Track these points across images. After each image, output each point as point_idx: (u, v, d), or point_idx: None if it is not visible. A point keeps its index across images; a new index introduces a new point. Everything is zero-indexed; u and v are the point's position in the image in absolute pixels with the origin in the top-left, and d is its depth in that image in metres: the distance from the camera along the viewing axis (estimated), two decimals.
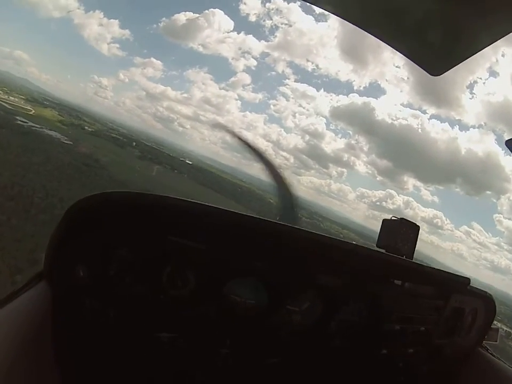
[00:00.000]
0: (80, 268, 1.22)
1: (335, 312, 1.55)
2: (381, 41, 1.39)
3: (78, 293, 1.24)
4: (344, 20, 1.39)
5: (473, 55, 1.26)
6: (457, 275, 1.77)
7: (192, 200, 1.30)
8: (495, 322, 2.02)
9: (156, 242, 1.29)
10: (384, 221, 1.87)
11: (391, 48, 1.44)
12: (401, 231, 1.81)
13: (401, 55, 1.44)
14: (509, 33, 1.11)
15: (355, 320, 1.60)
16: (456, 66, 1.35)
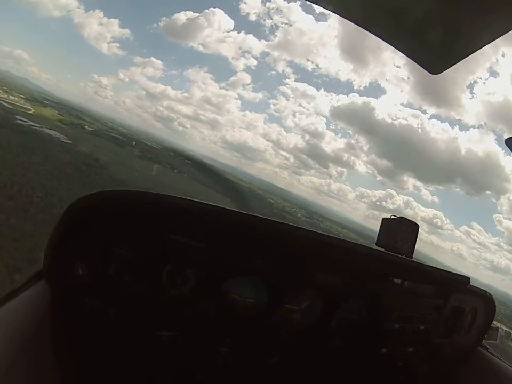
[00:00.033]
0: (80, 267, 1.21)
1: (334, 311, 1.55)
2: (381, 41, 1.37)
3: (77, 291, 1.23)
4: (344, 18, 1.39)
5: (472, 53, 1.26)
6: (457, 274, 1.76)
7: (191, 199, 1.29)
8: (494, 322, 2.01)
9: (155, 240, 1.28)
10: (384, 219, 1.86)
11: (391, 47, 1.44)
12: (400, 230, 1.81)
13: (401, 54, 1.44)
14: (508, 32, 1.10)
15: (355, 318, 1.59)
16: (456, 66, 1.36)
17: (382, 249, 1.73)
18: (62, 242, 1.19)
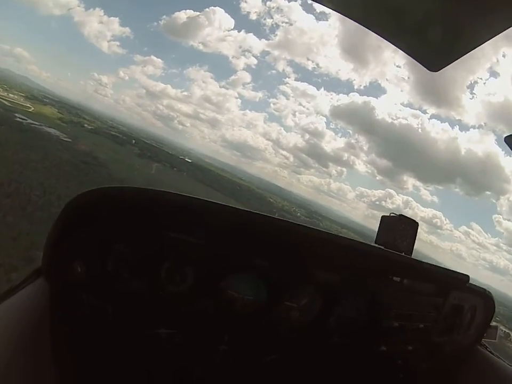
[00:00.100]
0: (78, 264, 1.21)
1: (333, 308, 1.55)
2: (381, 40, 1.41)
3: (76, 289, 1.23)
4: (343, 15, 1.40)
5: (471, 50, 1.27)
6: (456, 272, 1.76)
7: (189, 195, 1.28)
8: (493, 322, 2.01)
9: (153, 237, 1.28)
10: (383, 217, 1.85)
11: (391, 47, 1.44)
12: (400, 228, 1.78)
13: (402, 54, 1.44)
14: (507, 29, 1.11)
15: (354, 316, 1.59)
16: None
17: (382, 247, 1.71)
18: (61, 240, 1.18)
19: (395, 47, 1.46)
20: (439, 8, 1.23)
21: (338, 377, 1.66)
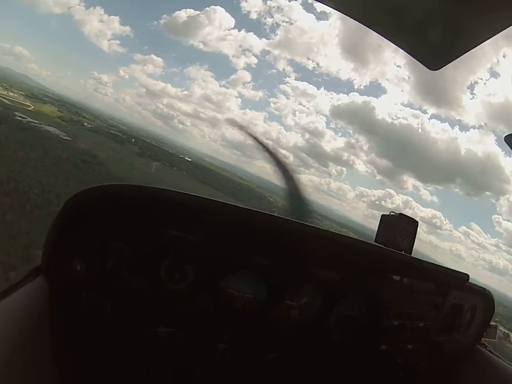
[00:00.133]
0: (78, 262, 1.20)
1: (333, 307, 1.55)
2: (381, 40, 1.41)
3: (75, 287, 1.22)
4: (343, 13, 1.39)
5: (472, 49, 1.26)
6: (456, 271, 1.75)
7: (189, 193, 1.28)
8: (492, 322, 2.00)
9: (153, 235, 1.27)
10: (383, 216, 1.84)
11: (392, 47, 1.47)
12: (399, 226, 1.78)
13: (402, 54, 1.46)
14: (507, 28, 1.11)
15: (354, 315, 1.59)
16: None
17: (382, 246, 1.71)
18: (60, 238, 1.18)
19: (395, 46, 1.45)
20: (439, 6, 1.23)
21: (338, 376, 1.65)
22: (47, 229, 1.18)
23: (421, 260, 1.65)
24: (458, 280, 1.76)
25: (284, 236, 1.37)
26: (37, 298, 1.16)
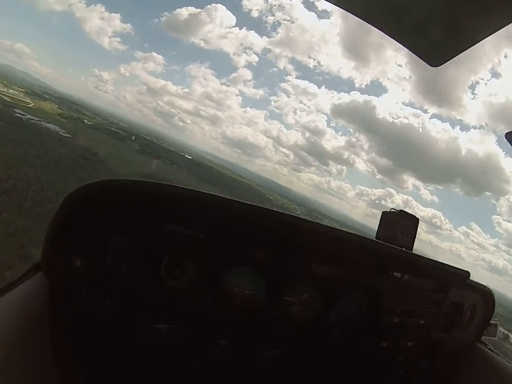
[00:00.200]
0: (77, 258, 1.22)
1: (334, 303, 1.54)
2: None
3: (75, 283, 1.24)
4: (344, 10, 1.40)
5: (473, 45, 1.27)
6: (457, 268, 1.74)
7: (189, 188, 1.30)
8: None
9: (153, 231, 1.29)
10: (384, 213, 1.87)
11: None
12: (400, 223, 1.80)
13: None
14: (507, 25, 1.11)
15: (354, 311, 1.60)
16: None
17: (383, 242, 1.71)
18: (60, 234, 1.19)
19: (396, 45, 1.56)
20: (440, 3, 1.24)
21: (338, 373, 1.67)
22: (47, 226, 1.21)
23: (421, 256, 1.65)
24: (459, 277, 1.77)
25: (285, 231, 1.37)
26: (37, 294, 1.19)
